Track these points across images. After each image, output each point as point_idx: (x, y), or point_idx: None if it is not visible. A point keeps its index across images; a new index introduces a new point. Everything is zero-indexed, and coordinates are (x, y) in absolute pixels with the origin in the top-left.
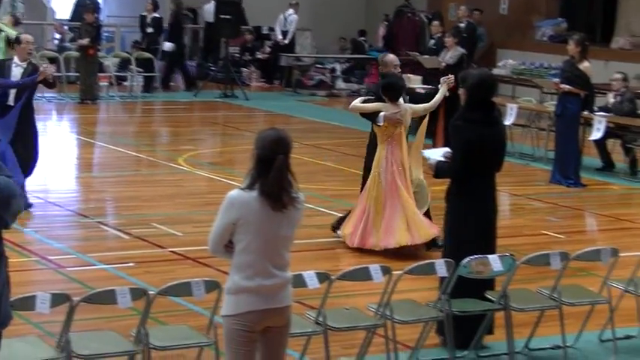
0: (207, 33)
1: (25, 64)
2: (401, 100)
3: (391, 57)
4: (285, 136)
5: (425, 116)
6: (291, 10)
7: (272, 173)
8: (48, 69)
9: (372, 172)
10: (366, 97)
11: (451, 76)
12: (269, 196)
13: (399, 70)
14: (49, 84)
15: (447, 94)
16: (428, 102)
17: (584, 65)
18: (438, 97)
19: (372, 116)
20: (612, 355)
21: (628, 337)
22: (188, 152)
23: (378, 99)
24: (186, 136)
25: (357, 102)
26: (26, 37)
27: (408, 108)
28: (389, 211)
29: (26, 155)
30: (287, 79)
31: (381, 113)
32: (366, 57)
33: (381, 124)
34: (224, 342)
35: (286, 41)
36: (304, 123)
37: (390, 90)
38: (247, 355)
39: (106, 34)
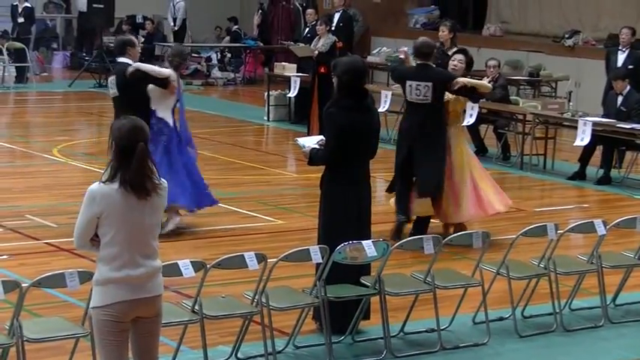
0: (81, 23)
1: None
2: None
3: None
4: (142, 124)
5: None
6: None
7: (134, 162)
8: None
9: (458, 148)
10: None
11: None
12: (133, 186)
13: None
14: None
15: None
16: None
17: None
18: None
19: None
20: (486, 336)
21: (500, 319)
22: (63, 143)
23: None
24: (60, 126)
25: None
26: (136, 40)
27: None
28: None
29: None
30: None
31: None
32: (242, 45)
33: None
34: (94, 333)
35: (176, 27)
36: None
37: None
38: (118, 346)
39: None
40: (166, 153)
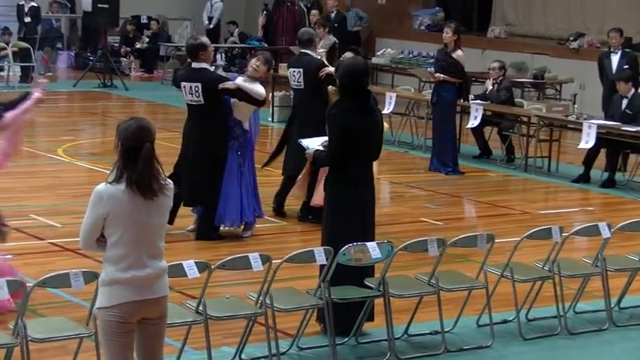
0: (85, 22)
1: None
2: None
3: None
4: (148, 124)
5: None
6: None
7: (140, 162)
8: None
9: None
10: None
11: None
12: (140, 186)
13: None
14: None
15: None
16: None
17: (458, 54)
18: None
19: None
20: (490, 339)
21: (504, 322)
22: (67, 143)
23: None
24: (65, 126)
25: None
26: (208, 41)
27: None
28: None
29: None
30: None
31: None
32: (247, 46)
33: None
34: (100, 334)
35: (211, 26)
36: (183, 112)
37: None
38: (124, 347)
39: None
40: (239, 162)
